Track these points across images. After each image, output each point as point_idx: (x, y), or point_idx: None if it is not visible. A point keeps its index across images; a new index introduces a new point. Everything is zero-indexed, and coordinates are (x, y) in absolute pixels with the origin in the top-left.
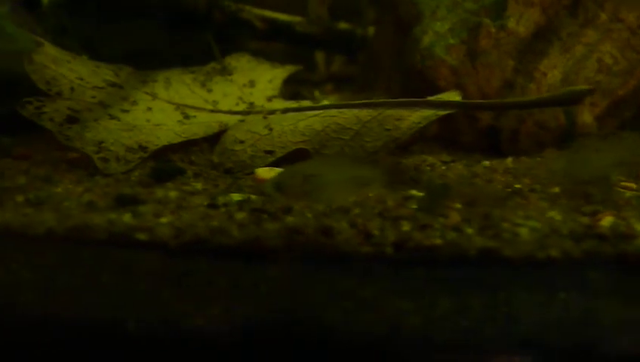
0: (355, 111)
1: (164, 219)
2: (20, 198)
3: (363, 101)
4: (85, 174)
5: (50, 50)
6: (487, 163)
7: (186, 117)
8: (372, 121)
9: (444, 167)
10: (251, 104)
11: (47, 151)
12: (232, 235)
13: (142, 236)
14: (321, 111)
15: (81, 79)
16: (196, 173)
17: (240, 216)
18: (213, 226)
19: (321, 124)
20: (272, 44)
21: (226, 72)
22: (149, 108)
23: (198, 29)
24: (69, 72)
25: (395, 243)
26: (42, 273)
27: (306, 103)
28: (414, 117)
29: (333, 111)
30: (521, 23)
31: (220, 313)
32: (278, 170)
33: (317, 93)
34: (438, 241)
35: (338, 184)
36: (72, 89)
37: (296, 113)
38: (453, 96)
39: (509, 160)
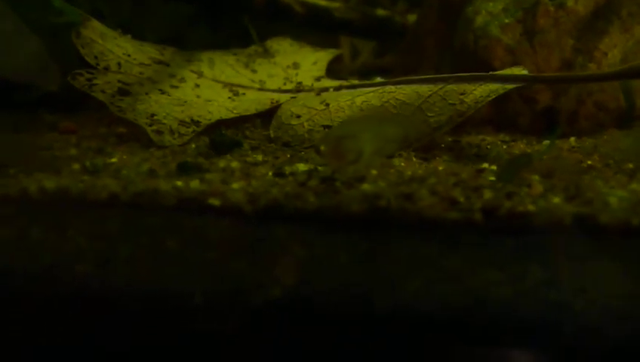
0: (414, 86)
1: (235, 185)
2: (75, 166)
3: (422, 77)
4: (138, 146)
5: (97, 25)
6: (548, 142)
7: (236, 94)
8: (433, 96)
9: (505, 146)
10: (299, 83)
11: (94, 128)
12: (309, 201)
13: (215, 201)
14: (377, 87)
15: (128, 55)
16: (253, 147)
17: (312, 183)
18: (287, 192)
19: (379, 100)
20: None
21: (268, 54)
22: (197, 85)
23: (235, 13)
24: (116, 47)
25: (484, 209)
26: (106, 241)
27: (356, 81)
28: (480, 90)
29: (391, 88)
30: (580, 1)
31: (297, 283)
32: None
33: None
34: (532, 208)
35: (369, 143)
36: (119, 64)
37: (351, 90)
38: (518, 71)
39: (572, 139)
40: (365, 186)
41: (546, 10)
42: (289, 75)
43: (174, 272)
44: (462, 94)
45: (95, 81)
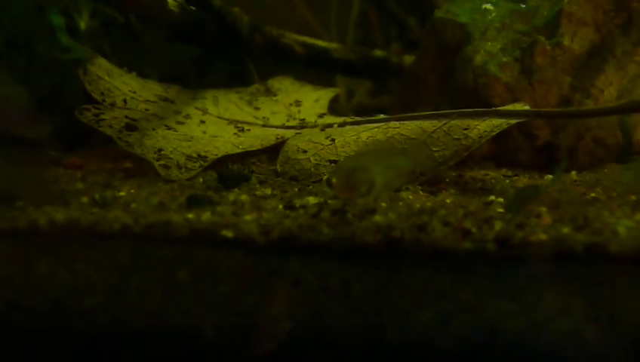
0: (418, 122)
1: (247, 217)
2: (84, 199)
3: (426, 113)
4: (146, 181)
5: (103, 62)
6: (550, 176)
7: (241, 130)
8: (437, 132)
9: (507, 181)
10: (303, 120)
11: (99, 163)
12: (322, 232)
13: (228, 233)
14: (382, 123)
15: (134, 92)
16: (261, 181)
17: (324, 215)
18: (300, 223)
19: (384, 135)
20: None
21: (270, 93)
22: (203, 122)
23: (236, 53)
24: (122, 84)
25: (497, 239)
26: (117, 273)
27: (360, 118)
28: (484, 125)
29: (395, 123)
30: (575, 40)
31: (309, 317)
32: None
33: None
34: (544, 237)
35: (380, 176)
36: (125, 101)
37: (355, 126)
38: (520, 106)
39: (573, 173)
40: (377, 218)
41: (543, 48)
42: (292, 113)
43: (187, 306)
44: (466, 129)
45: (102, 117)
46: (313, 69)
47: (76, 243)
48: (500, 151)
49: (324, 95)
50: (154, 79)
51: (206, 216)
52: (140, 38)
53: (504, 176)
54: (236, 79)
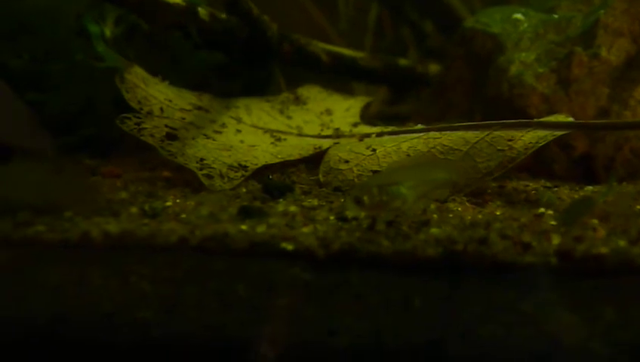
0: (460, 133)
1: (305, 229)
2: (133, 209)
3: (467, 123)
4: (189, 191)
5: (139, 70)
6: (590, 188)
7: (278, 139)
8: (481, 142)
9: (549, 192)
10: (337, 129)
11: (136, 172)
12: (382, 245)
13: (288, 246)
14: (421, 133)
15: (170, 101)
16: (305, 191)
17: (380, 227)
18: (358, 236)
19: (425, 146)
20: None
21: (300, 101)
22: (239, 131)
23: (264, 61)
24: (158, 93)
25: (559, 252)
26: (175, 286)
27: (397, 128)
28: (528, 137)
29: (436, 134)
30: (612, 52)
31: (370, 330)
32: None
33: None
34: (604, 250)
35: (412, 190)
36: (162, 109)
37: (394, 136)
38: (563, 118)
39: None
40: (433, 230)
41: (580, 60)
42: (324, 122)
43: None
44: (510, 140)
45: (143, 125)
46: (339, 77)
47: (132, 256)
48: (536, 162)
49: (355, 103)
50: (178, 85)
51: (261, 228)
52: (163, 44)
53: (544, 187)
54: (257, 86)
